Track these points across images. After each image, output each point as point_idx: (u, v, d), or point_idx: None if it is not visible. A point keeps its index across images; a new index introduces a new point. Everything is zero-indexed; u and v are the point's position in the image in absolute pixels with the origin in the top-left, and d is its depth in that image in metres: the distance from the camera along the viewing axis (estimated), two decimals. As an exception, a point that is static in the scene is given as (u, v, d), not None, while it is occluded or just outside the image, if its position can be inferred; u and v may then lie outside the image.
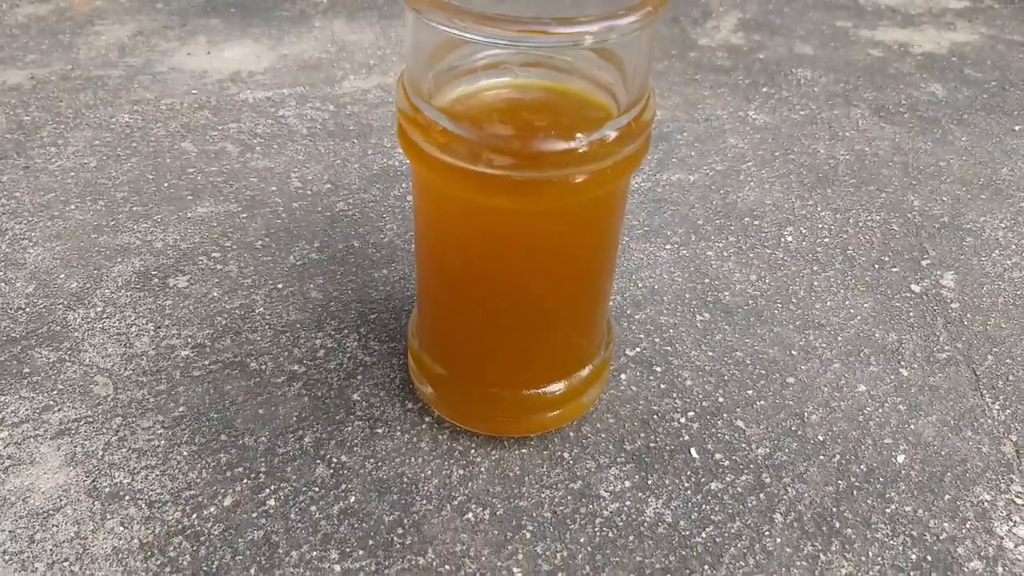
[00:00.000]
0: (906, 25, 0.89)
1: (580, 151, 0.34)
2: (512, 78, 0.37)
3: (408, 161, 0.39)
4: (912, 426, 0.46)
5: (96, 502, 0.40)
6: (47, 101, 0.70)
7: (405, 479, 0.42)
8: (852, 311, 0.54)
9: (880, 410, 0.47)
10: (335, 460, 0.43)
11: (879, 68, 0.81)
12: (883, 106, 0.75)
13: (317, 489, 0.41)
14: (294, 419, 0.45)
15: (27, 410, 0.45)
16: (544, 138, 0.34)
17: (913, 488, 0.43)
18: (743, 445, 0.45)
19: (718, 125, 0.71)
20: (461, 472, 0.43)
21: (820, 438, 0.45)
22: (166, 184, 0.61)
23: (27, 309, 0.51)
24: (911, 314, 0.54)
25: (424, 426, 0.45)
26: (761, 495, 0.42)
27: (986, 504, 0.42)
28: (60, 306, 0.51)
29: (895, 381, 0.49)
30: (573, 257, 0.39)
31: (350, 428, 0.44)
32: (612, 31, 0.32)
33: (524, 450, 0.44)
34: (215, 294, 0.52)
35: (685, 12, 0.89)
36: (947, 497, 0.43)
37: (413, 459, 0.43)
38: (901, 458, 0.45)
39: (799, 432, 0.46)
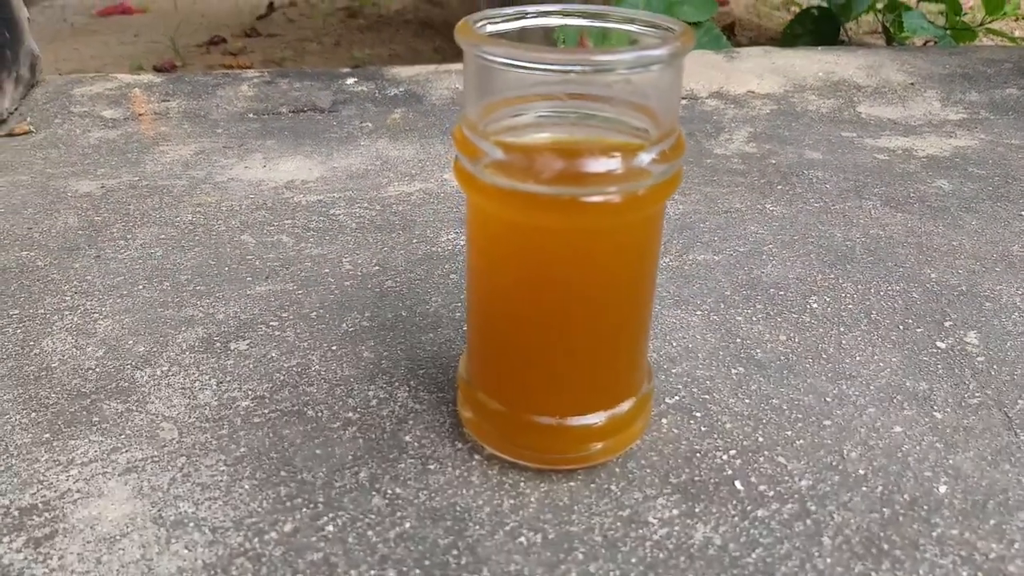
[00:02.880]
0: (908, 134, 0.96)
1: (617, 173, 0.38)
2: (551, 107, 0.41)
3: (463, 195, 0.43)
4: (951, 461, 0.47)
5: (162, 528, 0.42)
6: (116, 205, 0.76)
7: (458, 508, 0.43)
8: (881, 364, 0.56)
9: (918, 447, 0.48)
10: (390, 492, 0.44)
11: (886, 168, 0.86)
12: (893, 198, 0.79)
13: (373, 516, 0.43)
14: (350, 457, 0.47)
15: (96, 451, 0.47)
16: (585, 160, 0.38)
17: (957, 514, 0.44)
18: (786, 478, 0.46)
19: (738, 216, 0.76)
20: (512, 502, 0.44)
21: (861, 472, 0.46)
22: (227, 268, 0.66)
23: (97, 369, 0.54)
24: (939, 366, 0.55)
25: (474, 463, 0.46)
26: (808, 521, 0.43)
27: (1033, 528, 0.43)
28: (128, 366, 0.54)
29: (930, 423, 0.50)
30: (614, 281, 0.42)
31: (403, 465, 0.46)
32: (644, 60, 0.37)
33: (572, 483, 0.45)
34: (274, 355, 0.55)
35: (699, 128, 0.97)
36: (992, 522, 0.43)
37: (465, 491, 0.45)
38: (943, 488, 0.45)
39: (840, 467, 0.47)
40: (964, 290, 0.64)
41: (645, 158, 0.40)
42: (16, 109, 0.97)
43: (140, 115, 0.96)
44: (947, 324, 0.60)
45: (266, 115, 0.99)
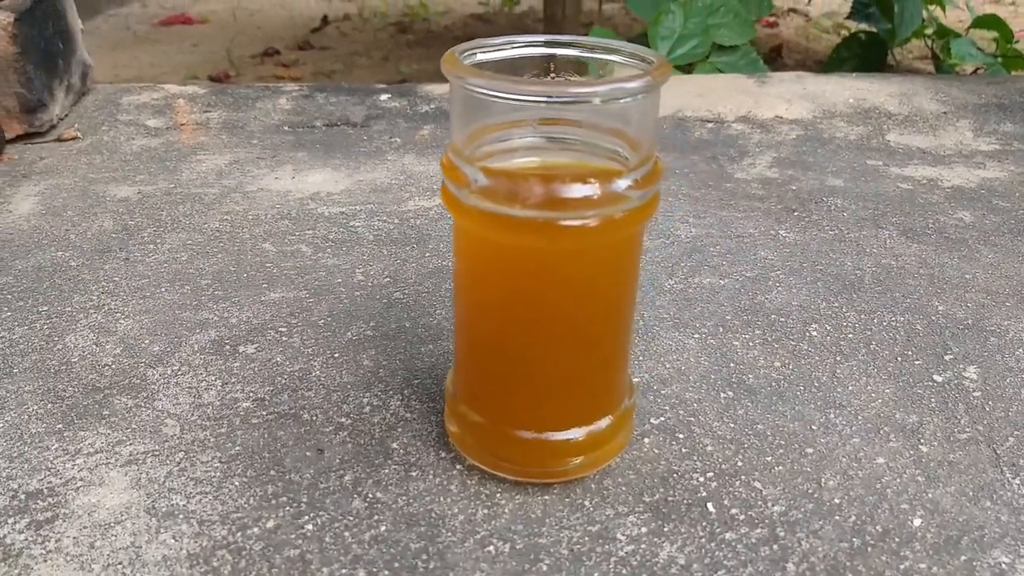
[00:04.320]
0: (936, 164, 0.95)
1: (595, 198, 0.40)
2: (533, 133, 0.43)
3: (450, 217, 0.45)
4: (930, 495, 0.47)
5: (153, 518, 0.45)
6: (150, 210, 0.80)
7: (433, 514, 0.45)
8: (873, 395, 0.56)
9: (898, 479, 0.48)
10: (371, 496, 0.46)
11: (908, 198, 0.86)
12: (911, 228, 0.79)
13: (352, 518, 0.45)
14: (337, 461, 0.49)
15: (102, 443, 0.50)
16: (564, 185, 0.40)
17: (928, 548, 0.44)
18: (759, 503, 0.47)
19: (750, 241, 0.76)
20: (486, 511, 0.45)
21: (836, 501, 0.47)
22: (245, 275, 0.69)
23: (113, 365, 0.57)
24: (933, 400, 0.55)
25: (455, 472, 0.48)
26: (775, 546, 0.44)
27: (1004, 566, 0.43)
28: (142, 364, 0.57)
29: (914, 456, 0.50)
30: (592, 301, 0.44)
31: (387, 470, 0.48)
32: (619, 92, 0.38)
33: (547, 496, 0.47)
34: (278, 359, 0.58)
35: (723, 152, 0.97)
36: (963, 558, 0.43)
37: (442, 499, 0.46)
38: (917, 522, 0.45)
39: (815, 495, 0.47)
40: (970, 324, 0.64)
41: (622, 184, 0.41)
42: (66, 116, 1.03)
43: (182, 125, 1.01)
44: (947, 357, 0.60)
45: (300, 128, 1.02)
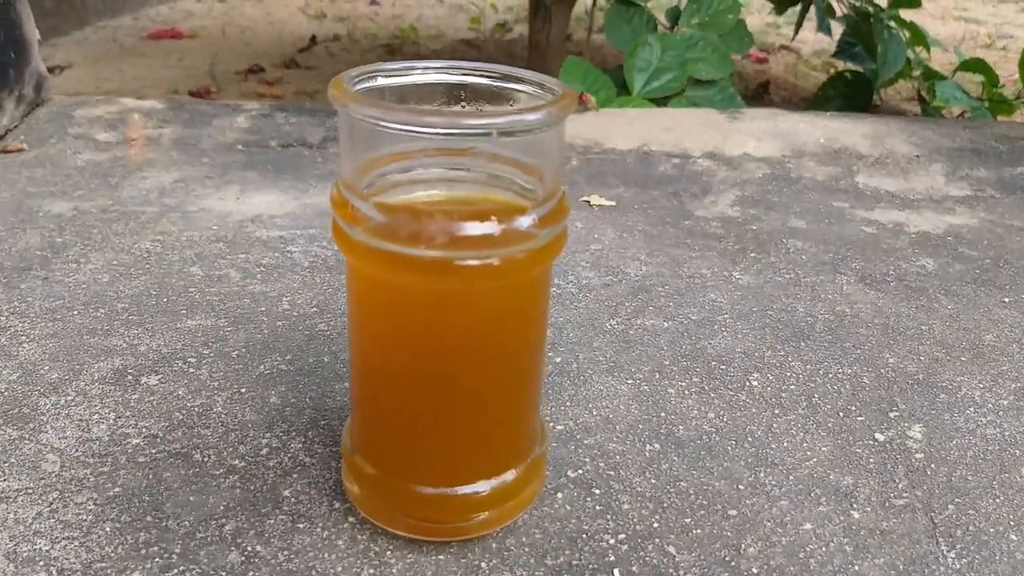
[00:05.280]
0: (904, 208, 0.92)
1: (495, 236, 0.37)
2: (430, 164, 0.40)
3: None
4: (856, 567, 0.44)
5: (11, 564, 0.41)
6: (82, 228, 0.77)
7: (314, 573, 0.42)
8: (809, 453, 0.52)
9: (824, 548, 0.45)
10: (249, 549, 0.43)
11: (871, 243, 0.83)
12: (870, 275, 0.76)
13: (224, 574, 0.41)
14: (221, 508, 0.45)
15: (-27, 479, 0.46)
16: (461, 222, 0.37)
17: (848, 628, 0.40)
18: (670, 570, 0.43)
19: (700, 282, 0.73)
20: (371, 571, 0.42)
21: (754, 571, 0.43)
22: (165, 300, 0.65)
23: (5, 393, 0.54)
24: (871, 460, 0.52)
25: (347, 525, 0.45)
26: (681, 620, 0.40)
27: (928, 652, 0.39)
28: (36, 392, 0.54)
29: (844, 523, 0.47)
30: (496, 347, 0.41)
31: (272, 520, 0.45)
32: (518, 124, 0.35)
33: (441, 556, 0.43)
34: (180, 392, 0.54)
35: (686, 188, 0.94)
36: (885, 640, 0.40)
37: (327, 555, 0.43)
38: (839, 597, 0.42)
39: (732, 563, 0.44)
40: (920, 379, 0.61)
41: (525, 221, 0.38)
42: (15, 127, 1.00)
43: (132, 140, 0.98)
44: (892, 414, 0.57)
45: (254, 147, 0.99)
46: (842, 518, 0.47)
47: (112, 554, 0.42)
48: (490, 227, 0.37)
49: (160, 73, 2.18)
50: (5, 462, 0.48)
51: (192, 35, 2.62)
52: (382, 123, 0.36)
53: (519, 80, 0.41)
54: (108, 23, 2.71)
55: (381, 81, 0.40)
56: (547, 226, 0.39)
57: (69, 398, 0.54)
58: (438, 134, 0.36)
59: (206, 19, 2.89)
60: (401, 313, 0.40)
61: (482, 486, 0.43)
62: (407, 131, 0.36)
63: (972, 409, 0.58)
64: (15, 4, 0.99)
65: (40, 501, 0.45)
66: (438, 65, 0.41)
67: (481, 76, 0.41)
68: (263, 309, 0.65)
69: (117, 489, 0.46)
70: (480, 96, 0.42)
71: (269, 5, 3.15)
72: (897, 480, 0.50)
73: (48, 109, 1.06)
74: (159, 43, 2.51)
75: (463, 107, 0.42)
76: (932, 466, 0.52)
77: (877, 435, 0.54)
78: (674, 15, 1.50)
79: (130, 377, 0.56)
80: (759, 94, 2.08)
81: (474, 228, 0.37)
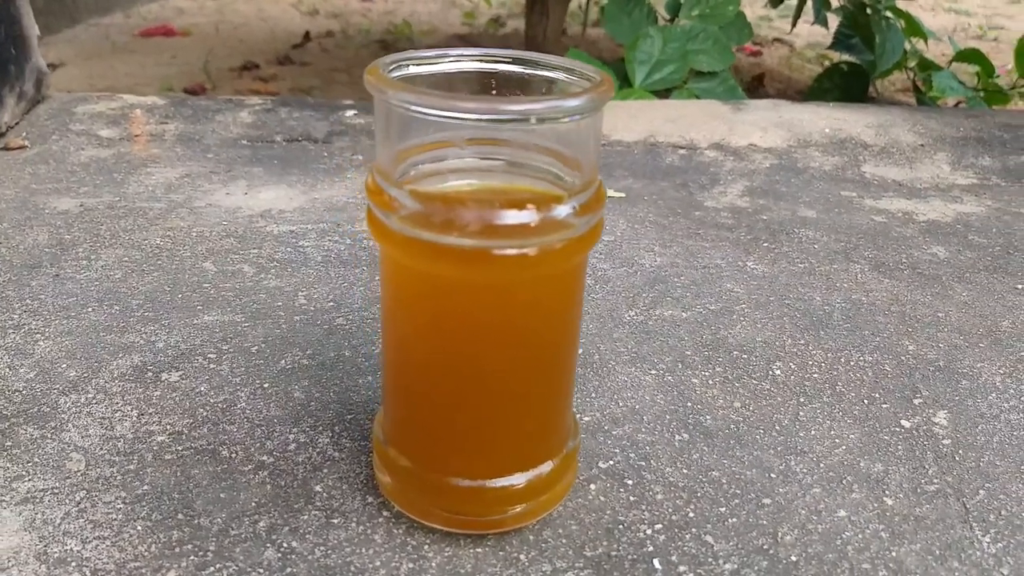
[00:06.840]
0: (911, 197, 0.92)
1: (532, 225, 0.36)
2: (466, 153, 0.39)
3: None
4: (893, 553, 0.44)
5: (43, 565, 0.40)
6: (89, 224, 0.76)
7: (352, 568, 0.41)
8: (837, 441, 0.52)
9: (860, 535, 0.45)
10: (285, 545, 0.42)
11: (882, 231, 0.83)
12: (883, 263, 0.76)
13: (262, 570, 0.41)
14: (253, 504, 0.45)
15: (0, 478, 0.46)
16: (499, 211, 0.36)
17: (890, 614, 0.40)
18: (709, 559, 0.43)
19: (716, 272, 0.73)
20: (410, 566, 0.41)
21: (793, 558, 0.43)
22: (180, 296, 0.65)
23: (23, 391, 0.53)
24: (900, 447, 0.52)
25: (381, 519, 0.44)
26: (723, 609, 0.40)
27: (971, 636, 0.39)
28: (55, 391, 0.53)
29: (878, 509, 0.47)
30: (532, 338, 0.40)
31: (306, 516, 0.44)
32: (558, 111, 0.35)
33: (479, 549, 0.43)
34: (202, 389, 0.54)
35: (694, 179, 0.94)
36: (927, 626, 0.40)
37: (364, 550, 0.42)
38: (879, 584, 0.42)
39: (771, 551, 0.44)
40: (941, 365, 0.61)
41: (562, 210, 0.38)
42: (17, 124, 0.99)
43: (135, 136, 0.97)
44: (916, 401, 0.57)
45: (259, 142, 0.99)
46: (875, 505, 0.47)
47: (145, 553, 0.41)
48: (527, 216, 0.37)
49: (153, 71, 2.16)
50: (28, 462, 0.47)
51: (185, 32, 2.60)
52: (420, 110, 0.35)
53: (552, 67, 0.40)
54: (99, 21, 2.69)
55: (413, 69, 0.40)
56: (585, 215, 0.38)
57: (89, 396, 0.53)
58: (478, 120, 0.35)
59: (198, 16, 2.86)
60: (435, 303, 0.40)
61: (518, 479, 0.43)
62: (446, 118, 0.35)
63: (995, 395, 0.58)
64: (14, 0, 0.98)
65: (67, 501, 0.44)
66: (471, 53, 0.41)
67: (514, 64, 0.41)
68: (279, 304, 0.64)
69: (145, 487, 0.46)
70: (511, 84, 0.42)
71: (261, 1, 3.13)
72: (927, 466, 0.50)
73: (48, 106, 1.05)
74: (151, 41, 2.49)
75: (493, 94, 0.42)
76: (960, 452, 0.52)
77: (903, 422, 0.54)
78: (674, 7, 1.50)
79: (150, 374, 0.55)
80: (754, 87, 2.08)
81: (511, 216, 0.37)
